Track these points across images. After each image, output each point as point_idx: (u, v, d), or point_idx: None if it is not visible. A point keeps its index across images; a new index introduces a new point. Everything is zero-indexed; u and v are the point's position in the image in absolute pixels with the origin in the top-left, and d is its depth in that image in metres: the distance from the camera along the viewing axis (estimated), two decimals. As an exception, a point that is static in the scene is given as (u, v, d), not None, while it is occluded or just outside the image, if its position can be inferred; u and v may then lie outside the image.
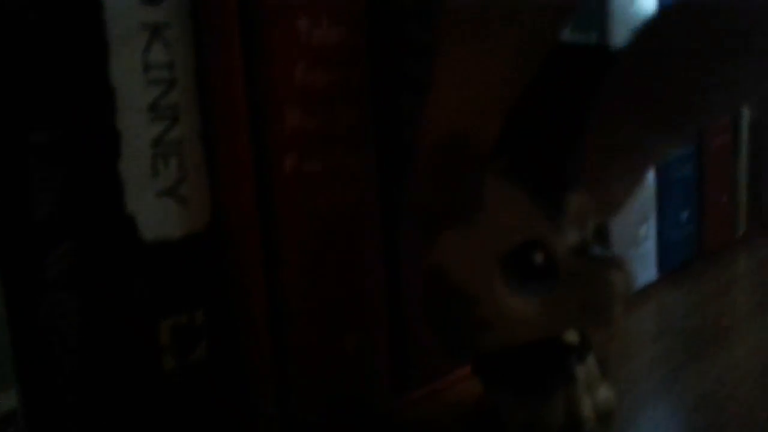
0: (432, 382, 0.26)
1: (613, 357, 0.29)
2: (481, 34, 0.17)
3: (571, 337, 0.20)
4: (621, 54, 0.18)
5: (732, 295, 0.38)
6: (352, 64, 0.23)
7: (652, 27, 0.17)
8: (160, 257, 0.18)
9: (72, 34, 0.16)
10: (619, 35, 0.35)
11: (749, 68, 0.16)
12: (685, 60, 0.16)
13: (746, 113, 0.49)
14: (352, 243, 0.23)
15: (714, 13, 0.16)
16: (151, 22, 0.18)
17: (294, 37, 0.21)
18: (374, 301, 0.24)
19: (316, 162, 0.22)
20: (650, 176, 0.38)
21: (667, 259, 0.40)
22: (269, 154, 0.20)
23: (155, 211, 0.18)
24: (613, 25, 0.35)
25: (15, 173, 0.16)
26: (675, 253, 0.41)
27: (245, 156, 0.20)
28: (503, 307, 0.18)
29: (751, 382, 0.27)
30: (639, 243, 0.38)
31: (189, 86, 0.19)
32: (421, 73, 0.25)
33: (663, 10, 0.17)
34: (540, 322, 0.18)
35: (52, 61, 0.16)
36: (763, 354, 0.29)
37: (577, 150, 0.17)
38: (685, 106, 0.17)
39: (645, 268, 0.38)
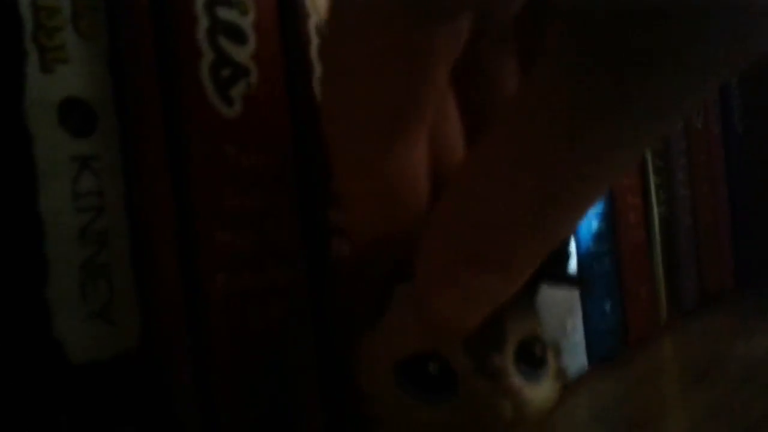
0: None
1: (549, 450, 0.30)
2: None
3: None
4: None
5: (658, 381, 0.40)
6: (279, 185, 0.24)
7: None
8: (88, 379, 0.18)
9: (1, 167, 0.17)
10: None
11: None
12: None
13: (656, 210, 0.52)
14: (286, 357, 0.23)
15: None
16: (80, 154, 0.19)
17: (220, 162, 0.22)
18: (312, 414, 0.24)
19: (247, 280, 0.22)
20: (572, 270, 0.40)
21: (595, 349, 0.42)
22: (199, 273, 0.21)
23: (83, 334, 0.18)
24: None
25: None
26: (602, 342, 0.43)
27: (174, 275, 0.20)
28: (394, 409, 0.19)
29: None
30: (568, 335, 0.39)
31: (118, 212, 0.20)
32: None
33: None
34: (428, 428, 0.19)
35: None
36: (691, 435, 0.30)
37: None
38: None
39: (575, 358, 0.40)
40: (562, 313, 0.39)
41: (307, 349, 0.24)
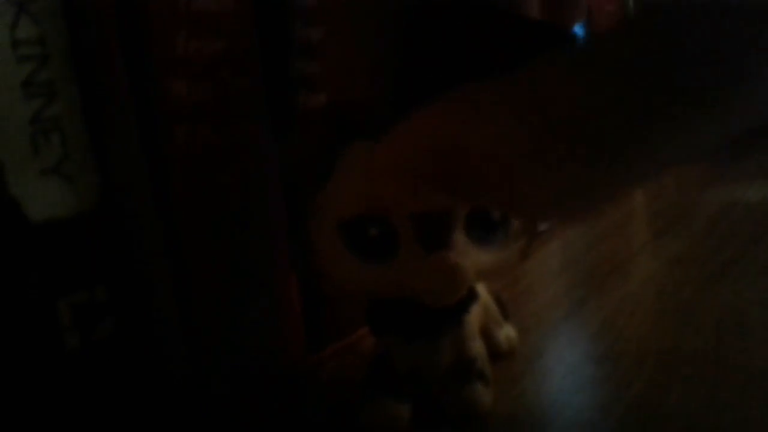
0: (345, 336, 0.27)
1: (521, 294, 0.31)
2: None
3: None
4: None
5: (628, 229, 0.41)
6: (237, 31, 0.22)
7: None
8: (50, 238, 0.18)
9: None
10: None
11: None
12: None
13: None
14: (254, 211, 0.23)
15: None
16: (16, -4, 0.17)
17: (172, 6, 0.20)
18: (282, 265, 0.24)
19: (208, 132, 0.21)
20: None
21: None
22: (158, 126, 0.20)
23: (41, 191, 0.18)
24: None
25: None
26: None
27: (131, 130, 0.19)
28: (340, 265, 0.20)
29: (647, 307, 0.29)
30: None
31: (63, 61, 0.18)
32: (309, 38, 0.25)
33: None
34: (368, 283, 0.20)
35: None
36: (655, 282, 0.31)
37: None
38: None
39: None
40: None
41: (278, 202, 0.24)
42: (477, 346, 0.22)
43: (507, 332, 0.25)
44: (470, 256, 0.19)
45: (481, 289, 0.23)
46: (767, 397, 0.20)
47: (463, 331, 0.21)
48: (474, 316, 0.22)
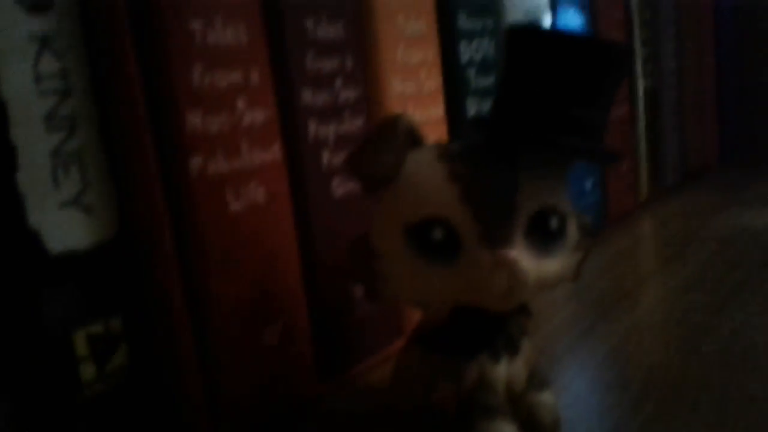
0: (355, 365, 0.27)
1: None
2: None
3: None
4: None
5: (636, 256, 0.41)
6: (251, 62, 0.23)
7: None
8: (68, 269, 0.18)
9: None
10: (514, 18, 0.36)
11: None
12: None
13: (641, 83, 0.51)
14: (266, 238, 0.23)
15: None
16: (39, 32, 0.18)
17: (188, 40, 0.21)
18: (293, 291, 0.24)
19: (222, 163, 0.22)
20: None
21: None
22: (174, 158, 0.21)
23: (60, 223, 0.18)
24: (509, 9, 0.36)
25: None
26: (582, 220, 0.43)
27: (149, 161, 0.20)
28: (402, 268, 0.19)
29: (655, 334, 0.29)
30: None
31: (84, 95, 0.19)
32: (321, 68, 0.25)
33: None
34: (431, 289, 0.19)
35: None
36: (663, 309, 0.31)
37: None
38: None
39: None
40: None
41: (289, 230, 0.24)
42: (495, 380, 0.21)
43: (547, 398, 0.22)
44: (531, 262, 0.19)
45: None
46: (777, 429, 0.20)
47: (493, 365, 0.21)
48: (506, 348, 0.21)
